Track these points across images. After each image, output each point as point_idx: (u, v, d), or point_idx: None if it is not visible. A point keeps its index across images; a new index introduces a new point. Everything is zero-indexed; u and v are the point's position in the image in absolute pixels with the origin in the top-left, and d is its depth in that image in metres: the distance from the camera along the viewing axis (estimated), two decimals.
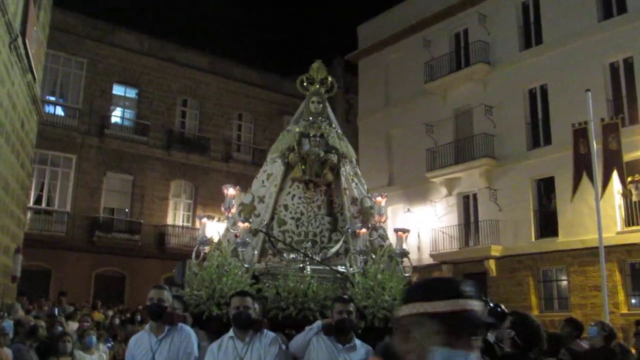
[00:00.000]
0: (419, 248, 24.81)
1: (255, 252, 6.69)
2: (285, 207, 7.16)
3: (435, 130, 25.33)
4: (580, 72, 20.59)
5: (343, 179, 7.32)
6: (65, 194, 26.01)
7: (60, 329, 9.89)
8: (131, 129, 28.18)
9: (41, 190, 25.58)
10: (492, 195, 23.04)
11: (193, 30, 46.69)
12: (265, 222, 6.93)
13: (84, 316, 12.81)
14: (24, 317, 10.80)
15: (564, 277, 21.07)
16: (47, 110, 24.70)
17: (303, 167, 7.09)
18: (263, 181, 7.33)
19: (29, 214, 23.06)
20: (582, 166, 16.15)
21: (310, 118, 7.46)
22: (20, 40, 14.03)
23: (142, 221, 27.11)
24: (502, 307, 4.55)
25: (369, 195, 7.45)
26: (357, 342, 5.30)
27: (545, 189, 22.27)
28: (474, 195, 24.21)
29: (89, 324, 11.07)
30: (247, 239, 6.41)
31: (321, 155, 7.16)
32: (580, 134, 16.25)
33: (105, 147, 26.86)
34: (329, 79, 7.59)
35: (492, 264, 22.58)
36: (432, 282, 2.04)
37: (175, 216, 28.84)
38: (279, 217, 7.11)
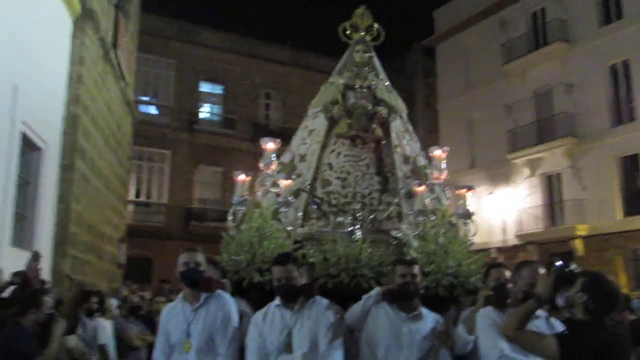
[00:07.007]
0: (504, 230, 23.70)
1: (299, 214, 5.75)
2: (330, 165, 6.11)
3: (515, 111, 24.02)
4: None
5: (394, 134, 6.19)
6: (162, 187, 26.23)
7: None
8: (219, 123, 28.11)
9: (140, 185, 25.86)
10: (576, 175, 21.55)
11: (273, 24, 46.53)
12: (308, 183, 5.93)
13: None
14: (129, 296, 11.64)
15: None
16: (141, 110, 24.93)
17: (349, 121, 6.04)
18: (304, 138, 6.28)
19: (131, 207, 23.43)
20: None
21: (355, 69, 6.37)
22: (112, 52, 14.55)
23: None
24: (574, 266, 3.47)
25: (422, 153, 6.35)
26: (424, 310, 4.34)
27: (631, 166, 20.61)
28: (558, 175, 22.71)
29: None
30: (290, 198, 5.52)
31: (369, 108, 6.08)
32: None
33: (196, 141, 26.83)
34: (375, 25, 6.47)
35: (579, 243, 21.13)
36: None
37: None
38: (322, 177, 6.07)
